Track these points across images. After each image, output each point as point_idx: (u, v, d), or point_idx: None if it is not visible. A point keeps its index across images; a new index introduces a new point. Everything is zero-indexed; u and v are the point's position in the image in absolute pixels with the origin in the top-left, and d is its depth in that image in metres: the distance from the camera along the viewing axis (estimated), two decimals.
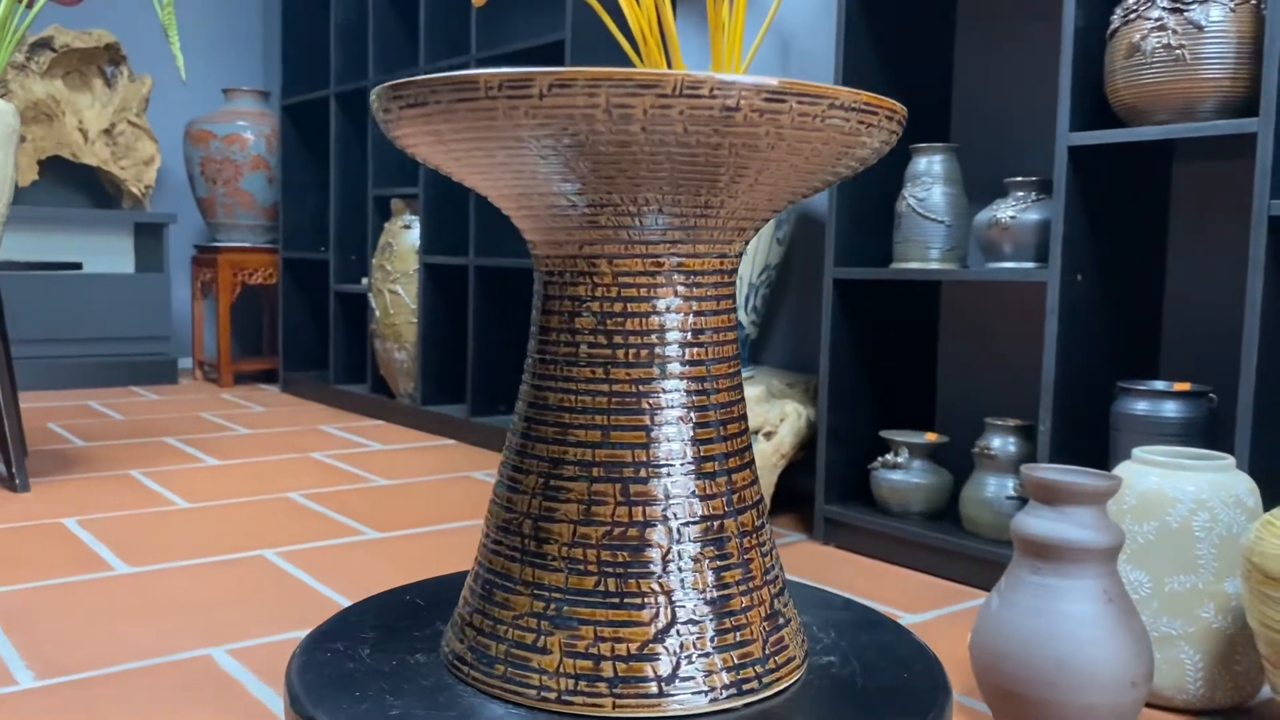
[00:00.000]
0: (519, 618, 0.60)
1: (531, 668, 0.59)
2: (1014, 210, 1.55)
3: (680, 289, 0.61)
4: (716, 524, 0.61)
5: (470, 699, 0.59)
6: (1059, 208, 1.43)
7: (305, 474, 2.20)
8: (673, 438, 0.60)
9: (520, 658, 0.59)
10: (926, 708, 0.58)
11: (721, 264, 0.62)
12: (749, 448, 0.65)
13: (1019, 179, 1.56)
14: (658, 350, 0.60)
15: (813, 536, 1.84)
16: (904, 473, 1.71)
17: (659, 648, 0.58)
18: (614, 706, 0.57)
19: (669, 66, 1.99)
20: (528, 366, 0.62)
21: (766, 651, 0.61)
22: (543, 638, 0.59)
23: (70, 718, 1.03)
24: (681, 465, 0.60)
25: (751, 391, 1.90)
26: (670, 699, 0.58)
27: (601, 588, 0.59)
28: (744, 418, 0.65)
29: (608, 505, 0.59)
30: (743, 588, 0.61)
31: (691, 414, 0.61)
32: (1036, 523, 1.10)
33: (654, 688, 0.58)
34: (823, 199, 2.09)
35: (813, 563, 1.69)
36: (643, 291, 0.60)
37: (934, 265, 1.69)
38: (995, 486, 1.58)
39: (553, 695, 0.58)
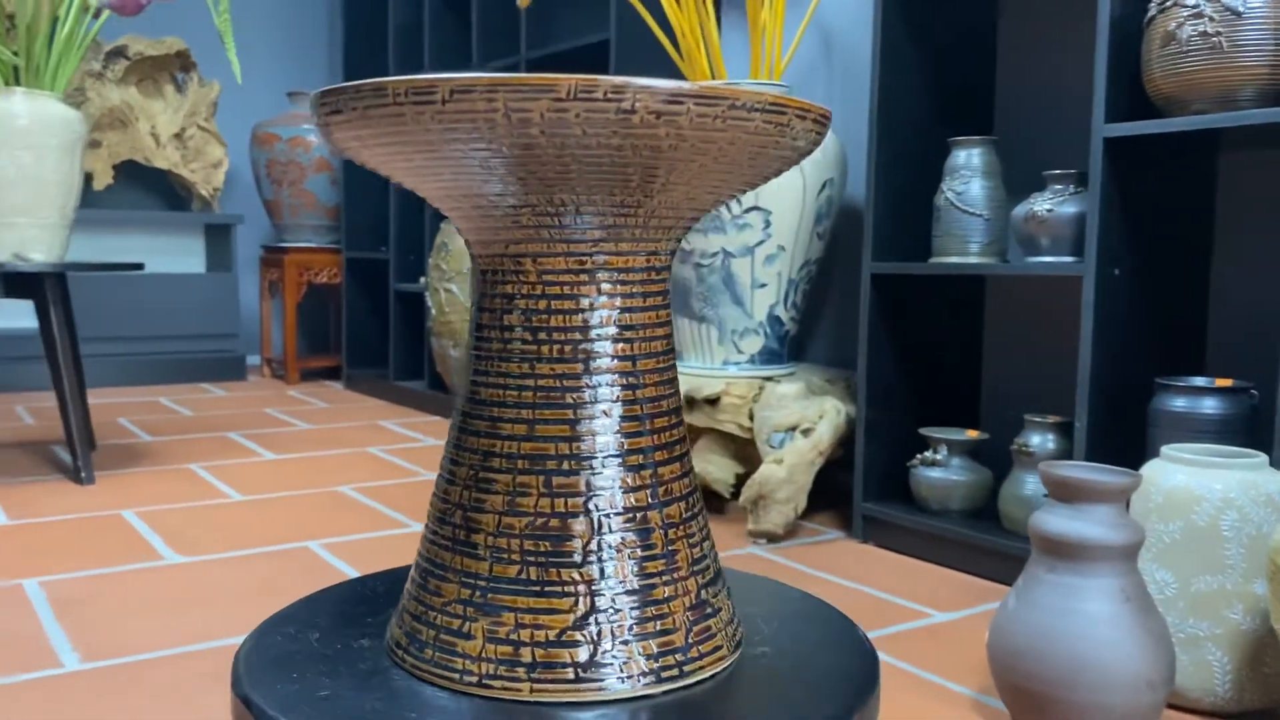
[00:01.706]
0: (448, 604, 0.62)
1: (457, 652, 0.61)
2: (1051, 203, 1.52)
3: (605, 287, 0.62)
4: (640, 515, 0.62)
5: (402, 682, 0.61)
6: (1094, 200, 1.40)
7: (359, 468, 2.25)
8: (598, 431, 0.62)
9: (447, 643, 0.61)
10: (844, 698, 0.58)
11: (649, 261, 0.63)
12: (681, 441, 0.66)
13: (1057, 172, 1.53)
14: (582, 346, 0.62)
15: (851, 534, 1.83)
16: (943, 470, 1.70)
17: (577, 635, 0.60)
18: (531, 691, 0.59)
19: (709, 66, 2.00)
20: (469, 362, 0.64)
21: (689, 640, 0.62)
22: (468, 624, 0.61)
23: (107, 698, 1.08)
24: (605, 458, 0.62)
25: (790, 388, 1.90)
26: (587, 684, 0.60)
27: (524, 576, 0.61)
28: (675, 411, 0.66)
29: (531, 496, 0.61)
30: (666, 578, 0.62)
31: (616, 408, 0.62)
32: (1053, 520, 1.08)
33: (571, 673, 0.59)
34: (862, 192, 2.07)
35: (848, 560, 1.68)
36: (566, 289, 0.62)
37: (973, 260, 1.67)
38: (1034, 484, 1.56)
39: (474, 679, 0.60)
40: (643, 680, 0.60)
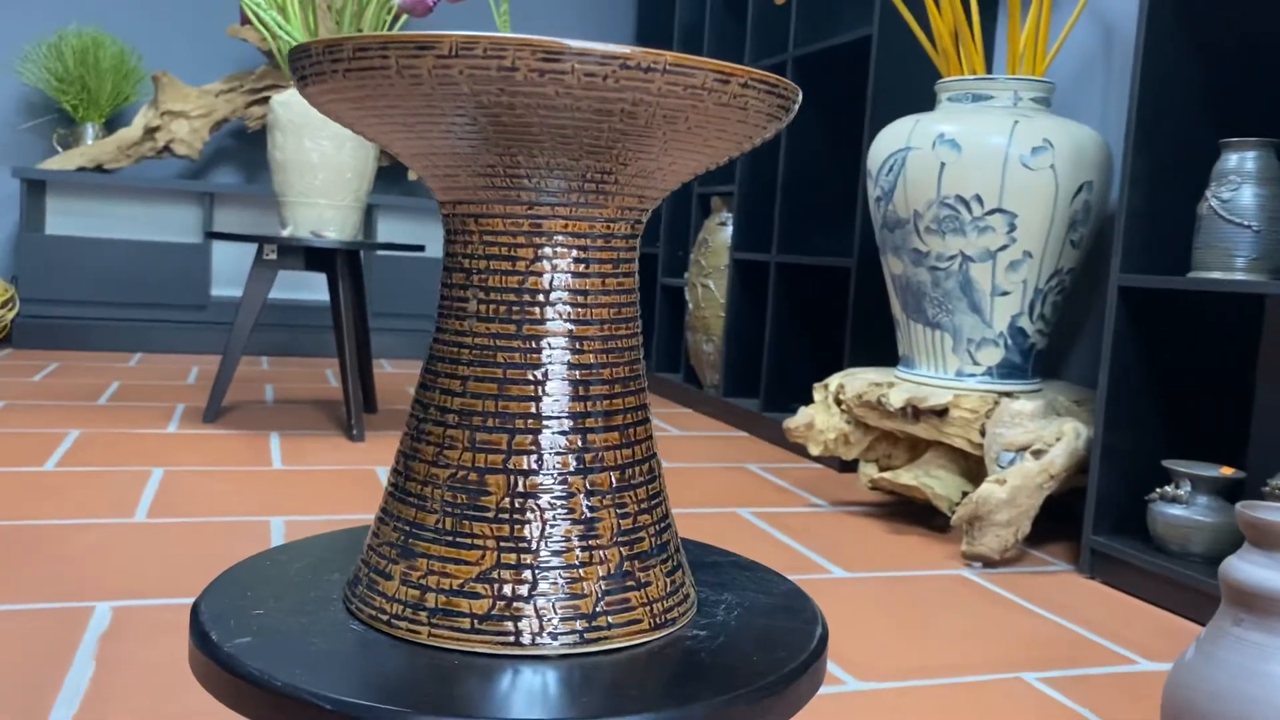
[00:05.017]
0: (381, 545, 0.65)
1: (378, 591, 0.64)
2: None
3: (545, 250, 0.62)
4: (561, 479, 0.62)
5: (335, 613, 0.64)
6: None
7: None
8: (527, 394, 0.62)
9: (374, 581, 0.64)
10: (729, 690, 0.55)
11: (593, 228, 0.62)
12: (628, 412, 0.65)
13: None
14: (515, 308, 0.62)
15: (1078, 568, 1.69)
16: (1185, 508, 1.53)
17: (479, 587, 0.61)
18: (429, 635, 0.61)
19: (960, 61, 1.90)
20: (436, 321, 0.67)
21: (599, 609, 0.61)
22: (390, 565, 0.63)
23: None
24: (530, 420, 0.62)
25: (1027, 405, 1.78)
26: (480, 636, 0.60)
27: (440, 525, 0.62)
28: (621, 381, 0.65)
29: (457, 450, 0.63)
30: (582, 544, 0.62)
31: (549, 371, 0.62)
32: (1244, 567, 0.95)
33: (468, 624, 0.60)
34: (1115, 198, 1.89)
35: (1064, 595, 1.55)
36: (505, 250, 0.62)
37: (1238, 276, 1.49)
38: None
39: (384, 618, 0.62)
40: (538, 640, 0.60)
